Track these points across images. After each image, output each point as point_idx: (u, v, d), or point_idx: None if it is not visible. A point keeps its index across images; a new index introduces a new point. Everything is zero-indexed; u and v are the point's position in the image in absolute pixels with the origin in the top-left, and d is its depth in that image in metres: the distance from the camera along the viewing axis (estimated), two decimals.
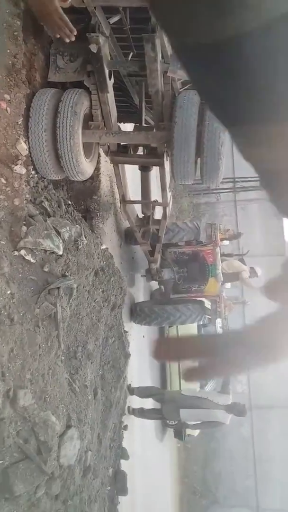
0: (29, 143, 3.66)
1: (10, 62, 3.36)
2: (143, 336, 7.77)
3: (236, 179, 13.63)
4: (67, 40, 2.84)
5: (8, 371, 3.18)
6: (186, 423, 6.56)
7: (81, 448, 4.21)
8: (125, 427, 6.12)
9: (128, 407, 6.47)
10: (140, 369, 7.06)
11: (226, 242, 7.40)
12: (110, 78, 3.83)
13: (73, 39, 2.81)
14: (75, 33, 2.79)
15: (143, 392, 6.74)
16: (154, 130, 4.39)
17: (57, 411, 3.78)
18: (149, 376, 8.22)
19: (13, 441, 3.19)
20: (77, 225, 4.11)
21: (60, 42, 3.78)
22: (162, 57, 3.65)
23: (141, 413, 6.76)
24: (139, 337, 7.45)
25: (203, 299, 7.37)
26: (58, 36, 2.83)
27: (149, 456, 7.73)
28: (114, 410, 5.45)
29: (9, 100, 3.39)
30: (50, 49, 3.82)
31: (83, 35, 3.47)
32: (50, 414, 3.60)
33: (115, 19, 3.45)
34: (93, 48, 3.44)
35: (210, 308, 7.33)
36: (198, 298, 7.36)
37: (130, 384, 6.56)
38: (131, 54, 3.89)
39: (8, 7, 3.28)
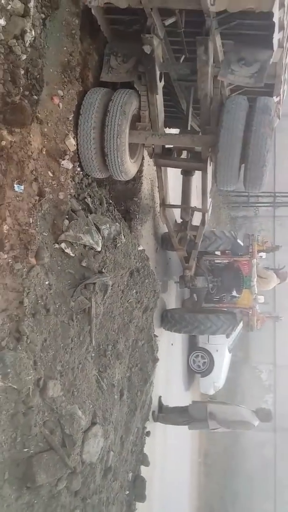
0: (77, 139, 3.74)
1: (66, 59, 3.45)
2: (172, 344, 7.72)
3: (277, 194, 13.40)
4: None
5: (40, 360, 3.22)
6: (212, 413, 6.40)
7: (104, 447, 4.19)
8: (148, 433, 6.06)
9: (153, 412, 6.42)
10: (166, 377, 7.00)
11: (263, 254, 7.27)
12: (160, 80, 3.87)
13: None
14: None
15: (168, 419, 6.70)
16: (200, 134, 4.39)
17: (84, 406, 3.79)
18: (176, 385, 8.15)
19: (39, 430, 3.22)
20: (117, 224, 4.15)
21: (115, 43, 3.88)
22: (214, 61, 3.66)
23: (166, 417, 6.68)
24: (167, 344, 7.40)
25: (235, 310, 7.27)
26: None
27: (169, 467, 7.63)
28: (139, 414, 5.42)
29: (62, 96, 3.47)
30: (105, 50, 3.90)
31: (137, 36, 3.54)
32: (77, 408, 3.61)
33: (170, 21, 3.48)
34: (147, 49, 3.49)
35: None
36: (230, 309, 7.26)
37: (154, 411, 6.53)
38: (183, 57, 3.92)
39: (68, 6, 3.38)
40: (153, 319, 5.69)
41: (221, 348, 8.65)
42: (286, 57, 4.16)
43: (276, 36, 3.53)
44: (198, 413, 6.48)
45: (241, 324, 7.43)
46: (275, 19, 3.32)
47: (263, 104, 3.79)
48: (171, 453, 7.82)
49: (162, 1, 3.30)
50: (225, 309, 7.31)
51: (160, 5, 3.33)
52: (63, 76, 3.45)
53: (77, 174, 3.88)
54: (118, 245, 4.08)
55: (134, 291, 4.82)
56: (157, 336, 5.92)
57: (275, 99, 4.31)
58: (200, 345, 8.87)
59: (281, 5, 3.38)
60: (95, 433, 3.96)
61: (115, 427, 4.61)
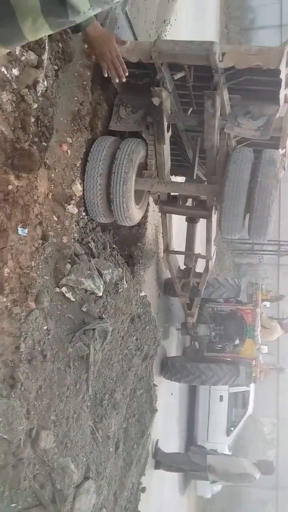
0: (84, 185, 3.78)
1: (76, 108, 3.53)
2: (171, 394, 7.50)
3: (282, 242, 13.45)
4: (117, 80, 2.73)
5: (33, 409, 3.10)
6: (211, 466, 6.09)
7: (96, 504, 3.97)
8: (143, 489, 5.77)
9: (154, 452, 6.16)
10: (165, 428, 6.75)
11: (267, 303, 7.18)
12: (168, 131, 3.95)
13: (123, 80, 2.70)
14: (127, 74, 2.71)
15: (169, 466, 6.44)
16: (206, 183, 4.43)
17: (77, 459, 3.62)
18: (175, 436, 7.85)
19: (29, 484, 3.05)
20: (119, 269, 4.12)
21: (125, 94, 3.99)
22: (221, 114, 3.74)
23: (166, 464, 6.40)
24: (167, 394, 7.19)
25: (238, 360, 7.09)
26: (111, 75, 2.69)
27: None
28: (134, 468, 5.17)
29: (71, 143, 3.53)
30: (115, 100, 4.00)
31: (146, 89, 3.64)
32: (70, 461, 3.44)
33: (179, 75, 3.59)
34: (156, 101, 3.58)
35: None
36: (233, 359, 7.08)
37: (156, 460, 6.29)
38: (191, 109, 4.01)
39: (81, 59, 3.50)
40: (152, 367, 5.54)
41: (221, 447, 8.25)
42: None
43: (283, 92, 3.63)
44: (198, 459, 6.20)
45: (242, 423, 7.13)
46: (282, 76, 3.42)
47: (269, 157, 3.84)
48: (167, 511, 7.42)
49: (171, 57, 3.42)
50: (228, 359, 7.13)
51: (170, 60, 3.44)
52: (72, 124, 3.52)
53: (82, 218, 3.90)
54: (119, 290, 4.03)
55: (135, 337, 4.72)
56: (156, 386, 5.74)
57: (281, 151, 4.37)
58: (199, 442, 8.55)
59: None
60: (87, 488, 3.76)
61: (108, 482, 4.39)
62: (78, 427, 3.70)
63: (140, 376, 5.12)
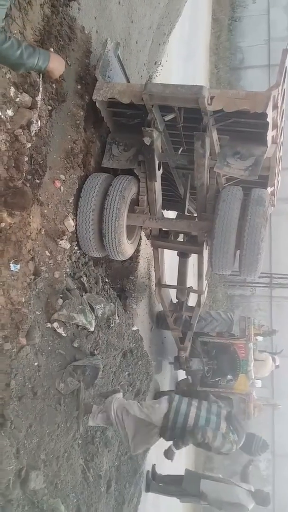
0: (76, 220, 3.83)
1: (69, 146, 3.63)
2: None
3: (273, 275, 13.54)
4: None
5: (23, 448, 3.05)
6: (204, 493, 5.87)
7: None
8: None
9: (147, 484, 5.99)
10: (158, 463, 6.57)
11: (259, 338, 7.16)
12: (159, 169, 4.05)
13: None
14: None
15: (160, 489, 6.24)
16: (196, 220, 4.51)
17: (67, 500, 3.53)
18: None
19: None
20: (112, 303, 4.13)
21: (117, 133, 4.11)
22: (210, 154, 3.85)
23: (158, 487, 6.19)
24: None
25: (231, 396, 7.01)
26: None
27: None
28: (126, 508, 5.02)
29: (64, 180, 3.61)
30: (107, 139, 4.11)
31: (138, 128, 3.76)
32: (60, 503, 3.35)
33: (169, 117, 3.71)
34: (147, 141, 3.68)
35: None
36: (226, 394, 7.00)
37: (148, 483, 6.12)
38: (181, 148, 4.13)
39: (75, 99, 3.62)
40: None
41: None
42: (279, 151, 4.40)
43: (270, 134, 3.75)
44: (191, 487, 5.99)
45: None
46: (269, 119, 3.55)
47: (258, 196, 3.93)
48: None
49: (162, 99, 3.54)
50: (222, 394, 7.04)
51: (160, 102, 3.57)
52: (66, 162, 3.60)
53: (74, 253, 3.93)
54: (111, 325, 4.03)
55: (127, 373, 4.68)
56: None
57: (269, 189, 4.48)
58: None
59: (275, 106, 3.63)
60: None
61: None
62: (69, 466, 3.62)
63: None
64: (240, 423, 4.26)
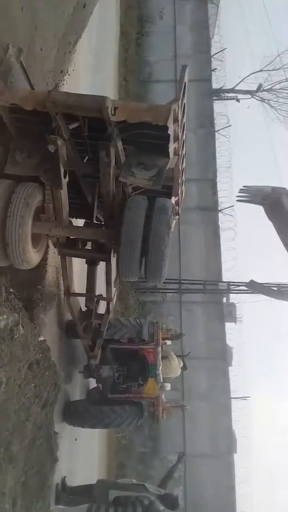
0: None
1: None
2: (75, 439, 7.25)
3: (182, 281, 14.05)
4: None
5: None
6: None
7: None
8: None
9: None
10: (70, 475, 6.47)
11: (168, 342, 7.37)
12: (65, 177, 4.03)
13: None
14: None
15: (69, 501, 6.14)
16: (104, 228, 4.55)
17: None
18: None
19: None
20: (16, 314, 4.01)
21: (21, 140, 4.02)
22: (115, 163, 3.92)
23: (67, 499, 6.07)
24: (71, 439, 6.95)
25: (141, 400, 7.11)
26: None
27: None
28: None
29: None
30: (10, 145, 4.00)
31: (42, 135, 3.71)
32: None
33: (74, 125, 3.72)
34: (51, 148, 3.65)
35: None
36: (136, 399, 7.09)
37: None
38: (87, 157, 4.15)
39: None
40: (53, 414, 5.36)
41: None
42: (182, 163, 4.61)
43: (172, 146, 3.92)
44: (101, 497, 5.95)
45: None
46: (170, 132, 3.71)
47: (161, 205, 4.08)
48: None
49: (66, 107, 3.54)
50: (132, 400, 7.12)
51: (64, 111, 3.56)
52: None
53: None
54: (15, 336, 3.91)
55: (33, 385, 4.56)
56: (57, 433, 5.54)
57: (174, 199, 4.67)
58: None
59: (175, 119, 3.80)
60: None
61: None
62: None
63: (39, 425, 4.92)
64: None
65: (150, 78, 16.45)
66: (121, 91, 12.84)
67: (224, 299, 14.97)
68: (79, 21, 6.49)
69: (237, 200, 5.07)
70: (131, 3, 15.46)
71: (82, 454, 7.77)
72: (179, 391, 12.99)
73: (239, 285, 14.53)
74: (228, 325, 14.93)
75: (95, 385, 7.37)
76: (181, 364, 7.71)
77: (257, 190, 4.90)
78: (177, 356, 7.85)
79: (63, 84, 6.00)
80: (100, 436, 9.63)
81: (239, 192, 4.98)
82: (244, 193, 4.95)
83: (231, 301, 15.08)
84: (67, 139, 3.83)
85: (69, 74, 6.24)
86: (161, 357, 6.97)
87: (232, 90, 18.30)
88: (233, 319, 14.90)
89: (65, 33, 5.78)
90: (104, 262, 4.96)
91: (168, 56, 16.58)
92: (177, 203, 4.90)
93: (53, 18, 5.14)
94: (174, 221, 4.62)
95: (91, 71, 8.47)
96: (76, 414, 6.55)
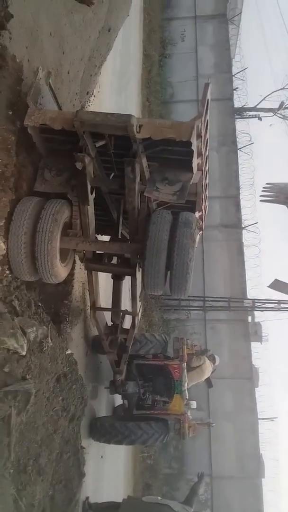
0: (7, 244, 3.81)
1: (0, 170, 3.64)
2: (102, 457, 7.24)
3: (206, 298, 13.97)
4: None
5: None
6: None
7: None
8: None
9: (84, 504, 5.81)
10: (95, 493, 6.45)
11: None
12: (91, 193, 4.16)
13: None
14: None
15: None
16: (129, 242, 4.64)
17: None
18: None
19: None
20: (44, 327, 4.10)
21: (49, 158, 4.18)
22: (140, 179, 4.03)
23: None
24: (97, 457, 6.94)
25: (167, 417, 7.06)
26: None
27: None
28: None
29: None
30: (40, 163, 4.17)
31: (70, 154, 3.86)
32: None
33: (100, 143, 3.85)
34: (79, 166, 3.79)
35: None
36: (162, 416, 7.05)
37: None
38: (113, 174, 4.27)
39: (6, 124, 3.66)
40: (80, 429, 5.39)
41: None
42: (205, 179, 4.69)
43: (195, 161, 4.01)
44: None
45: None
46: (194, 147, 3.81)
47: (185, 219, 4.15)
48: None
49: (92, 126, 3.68)
50: (158, 416, 7.09)
51: (91, 129, 3.71)
52: None
53: (5, 277, 3.89)
54: (44, 349, 3.99)
55: (61, 398, 4.62)
56: (84, 448, 5.56)
57: (197, 214, 4.73)
58: None
59: (199, 136, 3.90)
60: None
61: None
62: None
63: (67, 439, 4.96)
64: None
65: (172, 99, 16.76)
66: (144, 112, 13.12)
67: (250, 318, 14.77)
68: (104, 44, 6.74)
69: (260, 200, 5.08)
70: (153, 27, 15.88)
71: (107, 472, 7.72)
72: (205, 411, 12.82)
73: (264, 303, 14.37)
74: (254, 344, 14.71)
75: (121, 401, 7.37)
76: (210, 358, 7.60)
77: (281, 187, 4.89)
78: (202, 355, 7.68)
79: (89, 105, 6.21)
80: (125, 453, 9.55)
81: (263, 190, 4.99)
82: (268, 191, 4.96)
83: (256, 319, 14.88)
84: (94, 156, 3.96)
85: (94, 96, 6.46)
86: (193, 368, 6.93)
87: (254, 109, 18.43)
88: (259, 338, 14.65)
89: (91, 56, 6.01)
90: (130, 277, 5.04)
91: (190, 77, 16.88)
92: (201, 218, 4.96)
93: (79, 43, 5.37)
94: (198, 236, 4.67)
95: (115, 93, 8.72)
96: (102, 430, 6.55)
